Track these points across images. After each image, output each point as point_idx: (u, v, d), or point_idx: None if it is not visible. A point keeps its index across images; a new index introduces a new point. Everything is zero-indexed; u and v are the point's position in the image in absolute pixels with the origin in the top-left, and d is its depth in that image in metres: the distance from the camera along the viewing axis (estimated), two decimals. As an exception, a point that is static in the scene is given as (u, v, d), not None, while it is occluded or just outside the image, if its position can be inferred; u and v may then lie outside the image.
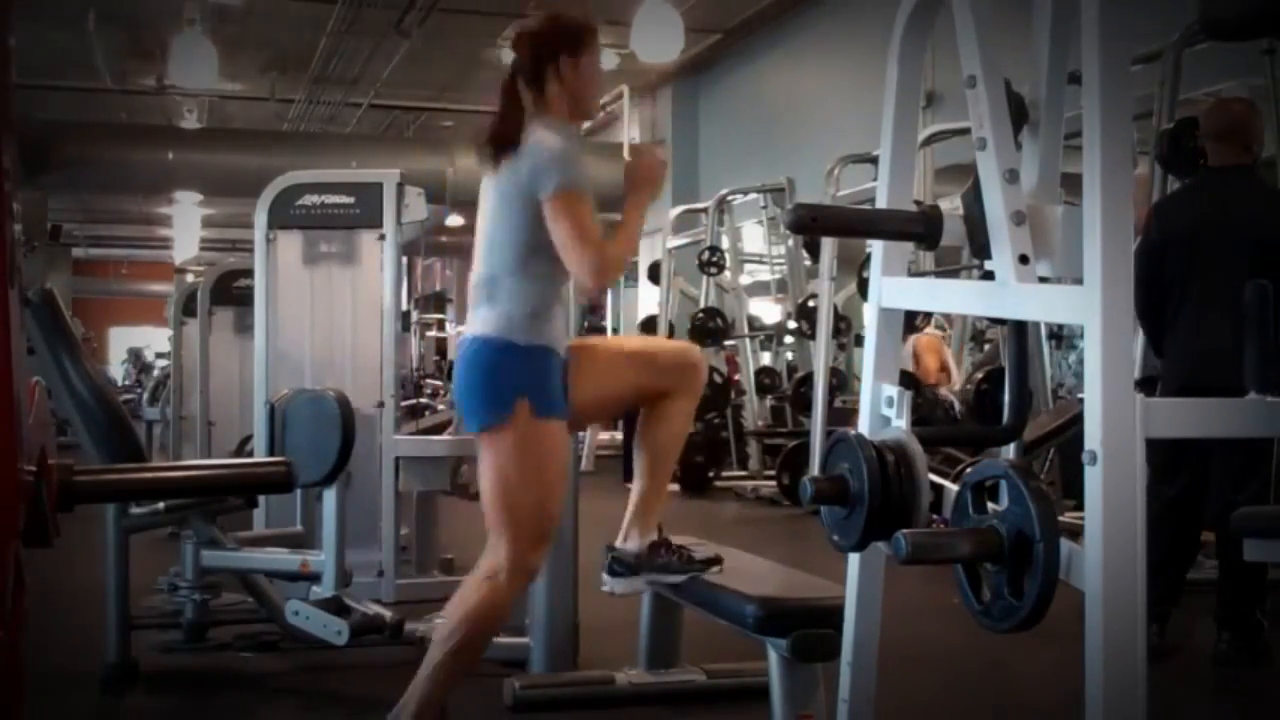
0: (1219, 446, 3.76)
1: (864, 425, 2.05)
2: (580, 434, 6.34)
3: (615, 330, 12.71)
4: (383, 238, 4.88)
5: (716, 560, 2.97)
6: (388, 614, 3.65)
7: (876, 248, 2.11)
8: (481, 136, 2.82)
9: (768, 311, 10.47)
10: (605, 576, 3.00)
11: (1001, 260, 1.79)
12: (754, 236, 10.60)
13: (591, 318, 12.96)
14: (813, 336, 8.05)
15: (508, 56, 2.90)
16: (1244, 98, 4.37)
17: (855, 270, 7.59)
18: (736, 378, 9.58)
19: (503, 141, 2.76)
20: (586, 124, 2.93)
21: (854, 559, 2.06)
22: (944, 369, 8.45)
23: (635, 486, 3.01)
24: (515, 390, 2.68)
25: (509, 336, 2.70)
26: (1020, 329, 2.15)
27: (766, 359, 10.22)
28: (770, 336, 9.72)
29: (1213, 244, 3.79)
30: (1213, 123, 4.07)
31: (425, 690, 2.76)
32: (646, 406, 2.95)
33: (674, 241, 10.16)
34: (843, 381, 7.98)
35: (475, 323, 2.78)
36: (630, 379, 2.91)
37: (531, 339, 2.71)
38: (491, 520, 2.76)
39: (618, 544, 2.99)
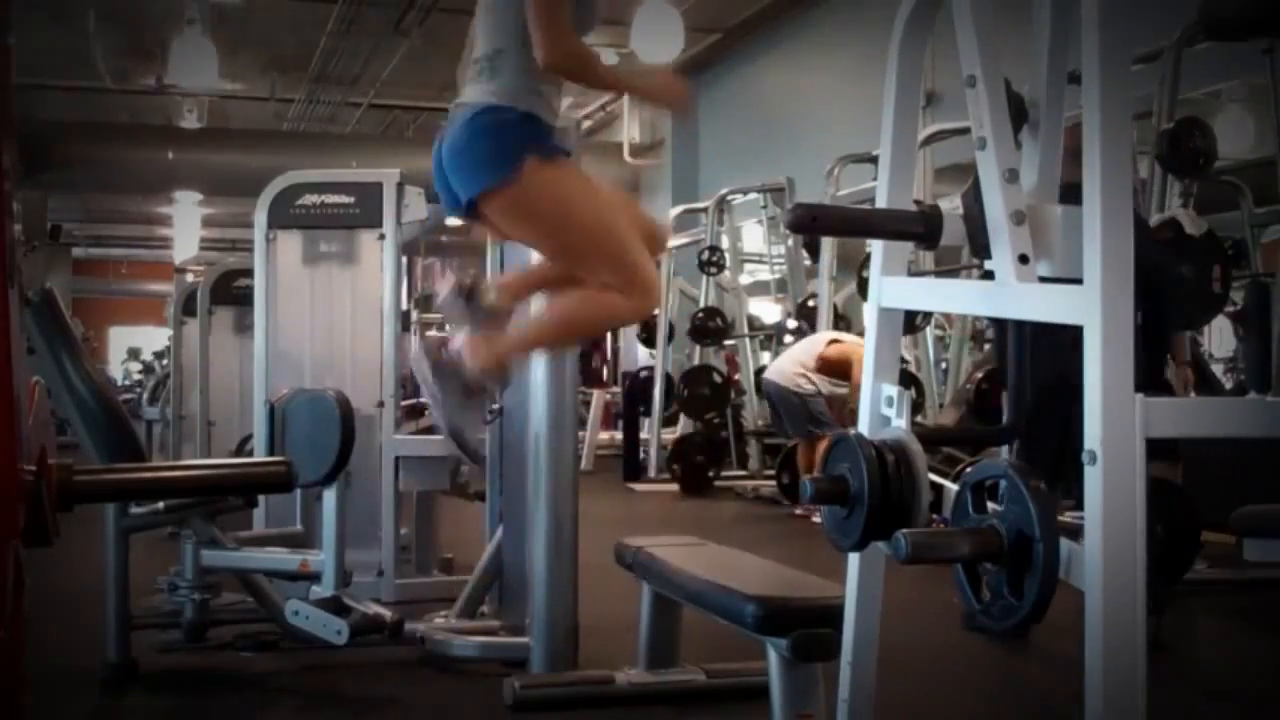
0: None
1: (864, 425, 2.05)
2: (580, 433, 6.33)
3: (615, 332, 12.68)
4: (383, 237, 4.88)
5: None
6: (388, 614, 3.65)
7: (876, 248, 2.11)
8: None
9: (768, 311, 10.47)
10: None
11: (1001, 260, 1.79)
12: (754, 236, 10.60)
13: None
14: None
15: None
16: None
17: (855, 270, 7.60)
18: (736, 378, 9.58)
19: None
20: None
21: (854, 559, 2.06)
22: None
23: (525, 322, 2.89)
24: (520, 147, 2.61)
25: (510, 103, 2.64)
26: (1020, 329, 2.15)
27: (766, 359, 10.22)
28: (770, 336, 9.72)
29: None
30: (1074, 141, 4.16)
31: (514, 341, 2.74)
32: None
33: (674, 241, 10.16)
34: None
35: (471, 94, 2.70)
36: (583, 237, 2.71)
37: (533, 109, 2.64)
38: (584, 270, 2.67)
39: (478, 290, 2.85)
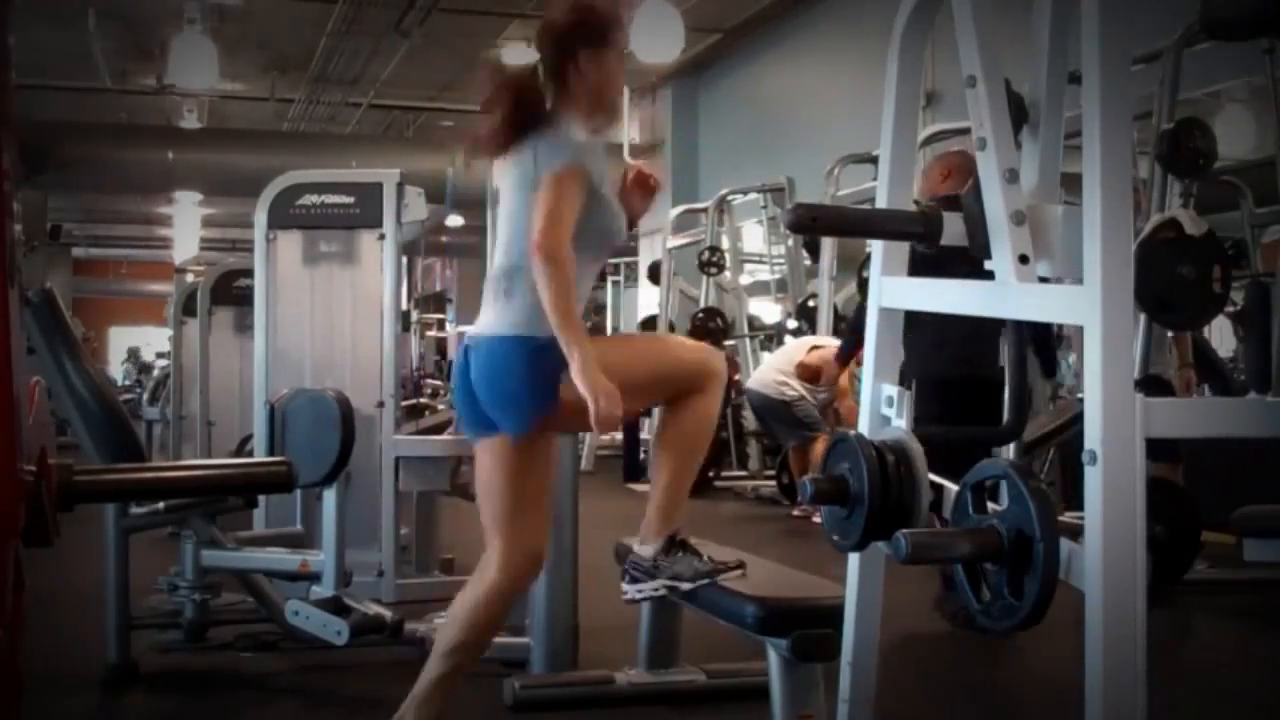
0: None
1: (864, 425, 2.05)
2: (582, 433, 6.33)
3: (615, 329, 12.70)
4: (383, 238, 4.88)
5: (739, 565, 2.87)
6: (388, 614, 3.65)
7: (876, 248, 2.11)
8: (485, 132, 2.71)
9: (768, 311, 10.47)
10: (624, 585, 2.91)
11: (1001, 260, 1.79)
12: (754, 236, 10.60)
13: (593, 319, 12.96)
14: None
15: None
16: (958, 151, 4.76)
17: (855, 270, 7.59)
18: (736, 378, 9.58)
19: (519, 124, 2.65)
20: (607, 125, 2.81)
21: (854, 559, 2.06)
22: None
23: (655, 485, 2.91)
24: (553, 379, 2.58)
25: (530, 332, 2.59)
26: (1020, 329, 2.15)
27: (766, 359, 10.22)
28: (770, 336, 9.71)
29: (948, 262, 4.03)
30: (956, 162, 4.51)
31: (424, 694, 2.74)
32: (666, 405, 2.86)
33: (674, 241, 10.16)
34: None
35: (489, 321, 2.66)
36: (645, 385, 2.78)
37: (549, 333, 2.57)
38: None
39: (636, 548, 2.90)
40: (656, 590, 2.88)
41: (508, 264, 2.67)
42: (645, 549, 2.87)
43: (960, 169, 4.38)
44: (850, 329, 5.03)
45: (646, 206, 2.90)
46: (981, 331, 4.16)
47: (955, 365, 4.23)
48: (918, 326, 4.14)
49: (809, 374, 7.08)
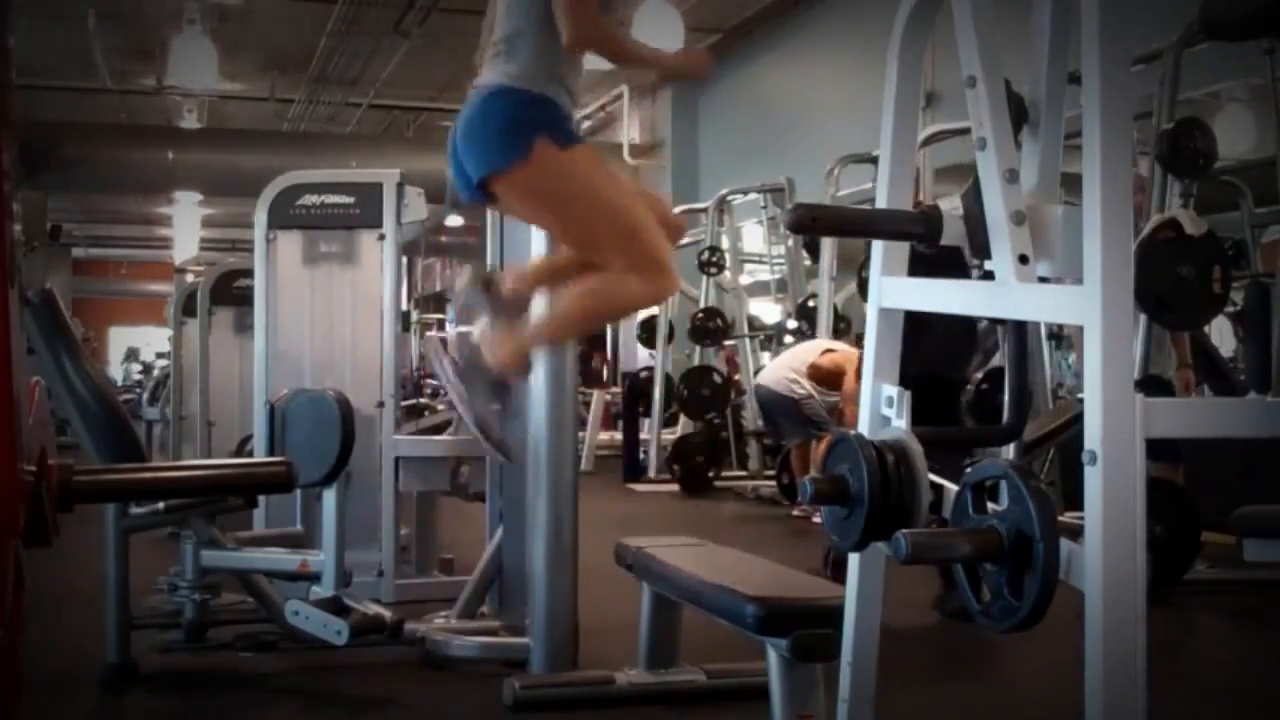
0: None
1: (864, 425, 2.05)
2: (580, 434, 6.32)
3: (615, 331, 12.69)
4: (383, 238, 4.88)
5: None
6: (388, 614, 3.65)
7: (876, 248, 2.10)
8: None
9: (768, 311, 10.48)
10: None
11: (1001, 260, 1.79)
12: (754, 236, 10.61)
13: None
14: (813, 336, 8.05)
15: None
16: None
17: (855, 270, 7.58)
18: (736, 378, 9.58)
19: None
20: None
21: (854, 559, 2.06)
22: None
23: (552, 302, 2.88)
24: (533, 130, 2.59)
25: (526, 85, 2.63)
26: (1020, 329, 2.15)
27: (766, 359, 10.23)
28: (770, 336, 9.72)
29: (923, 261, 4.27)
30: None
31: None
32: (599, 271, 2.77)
33: (675, 241, 10.15)
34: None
35: (487, 76, 2.68)
36: (600, 217, 2.69)
37: (549, 92, 2.63)
38: (595, 251, 2.66)
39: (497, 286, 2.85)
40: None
41: (509, 31, 2.70)
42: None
43: None
44: None
45: (680, 72, 3.05)
46: (952, 334, 4.41)
47: (920, 365, 4.24)
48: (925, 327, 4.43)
49: (821, 376, 7.06)
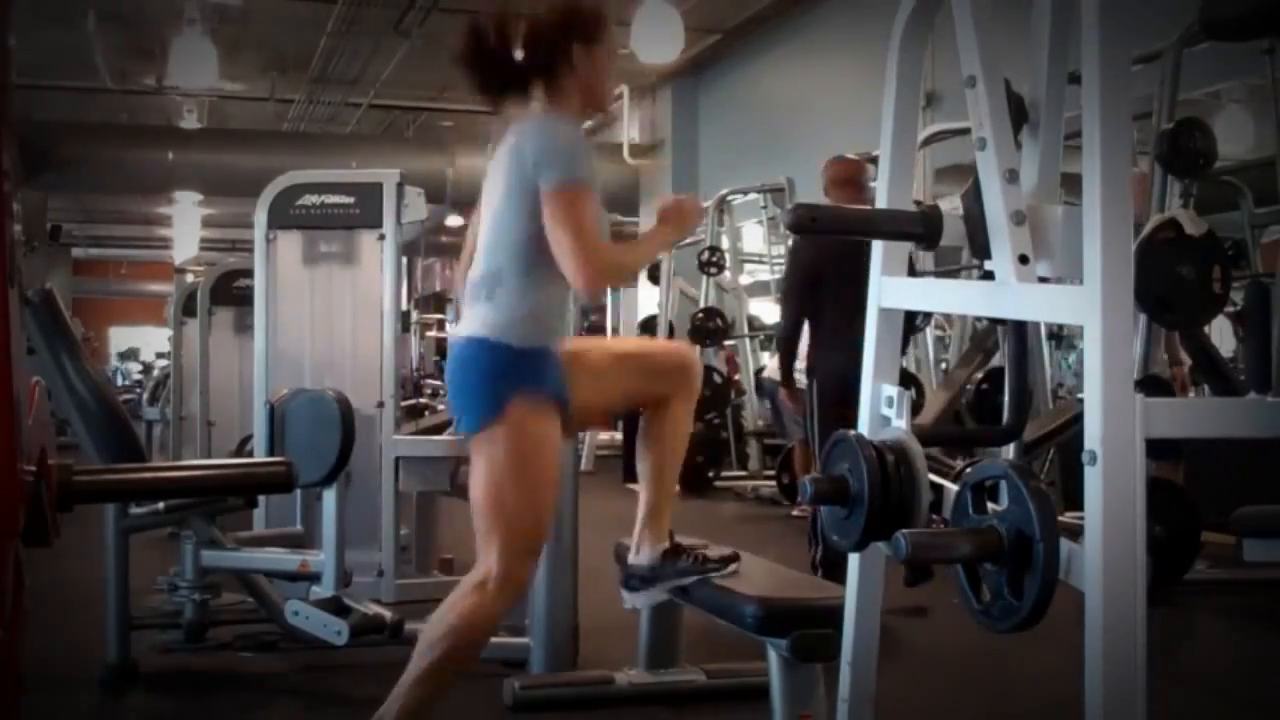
0: None
1: (864, 425, 2.05)
2: (580, 434, 6.33)
3: (615, 331, 12.71)
4: (383, 238, 4.88)
5: (733, 558, 2.90)
6: (388, 614, 3.65)
7: (876, 248, 2.11)
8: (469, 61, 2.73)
9: (768, 311, 10.47)
10: (625, 594, 2.91)
11: (1001, 260, 1.79)
12: (754, 236, 10.60)
13: (591, 318, 12.96)
14: (813, 336, 8.03)
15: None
16: (855, 158, 5.24)
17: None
18: (736, 378, 9.58)
19: (493, 74, 2.69)
20: (596, 118, 2.84)
21: (854, 559, 2.06)
22: None
23: (642, 494, 2.89)
24: (510, 389, 2.57)
25: (505, 339, 2.58)
26: (1020, 329, 2.15)
27: (766, 359, 10.22)
28: (770, 336, 9.71)
29: (850, 270, 4.59)
30: (834, 173, 5.00)
31: (408, 698, 2.60)
32: (647, 411, 2.87)
33: (674, 241, 10.14)
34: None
35: (471, 321, 2.65)
36: (622, 384, 2.82)
37: (527, 342, 2.59)
38: (481, 528, 2.64)
39: (630, 559, 2.89)
40: (660, 598, 2.91)
41: (491, 269, 2.64)
42: (640, 557, 2.87)
43: (839, 180, 4.98)
44: (782, 341, 5.23)
45: (681, 236, 2.93)
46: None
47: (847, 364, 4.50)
48: (827, 328, 4.75)
49: None
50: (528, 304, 2.61)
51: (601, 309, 13.77)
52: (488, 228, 2.69)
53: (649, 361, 2.90)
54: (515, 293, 2.60)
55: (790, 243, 5.42)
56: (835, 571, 4.41)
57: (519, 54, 2.71)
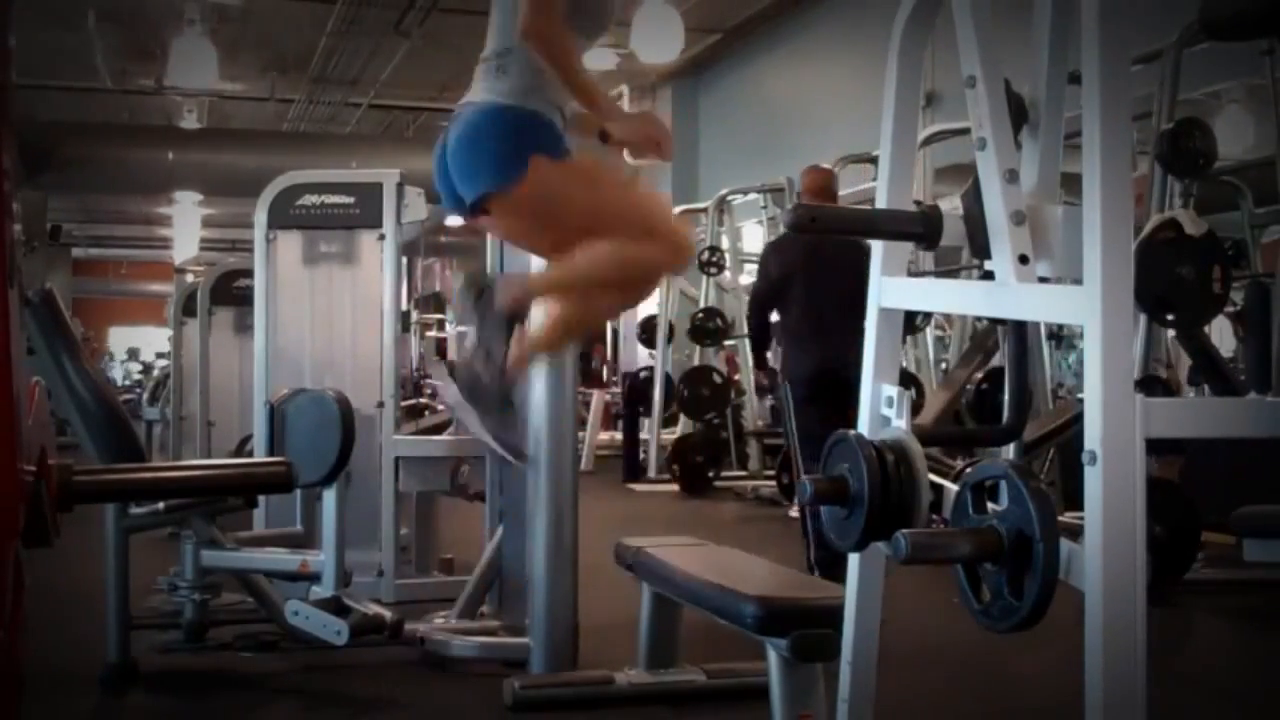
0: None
1: (864, 425, 2.05)
2: (580, 433, 6.32)
3: (615, 332, 12.69)
4: (383, 238, 4.88)
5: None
6: (388, 614, 3.65)
7: (876, 248, 2.10)
8: None
9: (767, 312, 10.45)
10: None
11: (1001, 260, 1.79)
12: (754, 236, 10.60)
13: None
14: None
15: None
16: (829, 168, 5.59)
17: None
18: (736, 378, 9.58)
19: None
20: None
21: (854, 559, 2.06)
22: None
23: (554, 263, 2.77)
24: (528, 148, 2.56)
25: (518, 102, 2.58)
26: (1020, 329, 2.15)
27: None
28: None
29: (821, 275, 4.97)
30: (809, 183, 5.25)
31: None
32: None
33: (674, 241, 10.14)
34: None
35: (479, 92, 2.64)
36: (612, 213, 2.68)
37: (542, 109, 2.58)
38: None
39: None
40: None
41: (499, 46, 2.66)
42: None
43: (813, 190, 5.21)
44: (753, 331, 5.49)
45: (643, 154, 2.84)
46: (845, 332, 4.55)
47: (810, 364, 4.95)
48: (794, 333, 5.00)
49: None
50: (539, 78, 2.61)
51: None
52: (496, 9, 2.71)
53: (650, 216, 2.73)
54: (525, 66, 2.59)
55: (762, 249, 5.74)
56: (833, 571, 4.49)
57: None
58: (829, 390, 4.86)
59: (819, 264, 5.02)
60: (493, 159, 2.60)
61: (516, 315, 2.74)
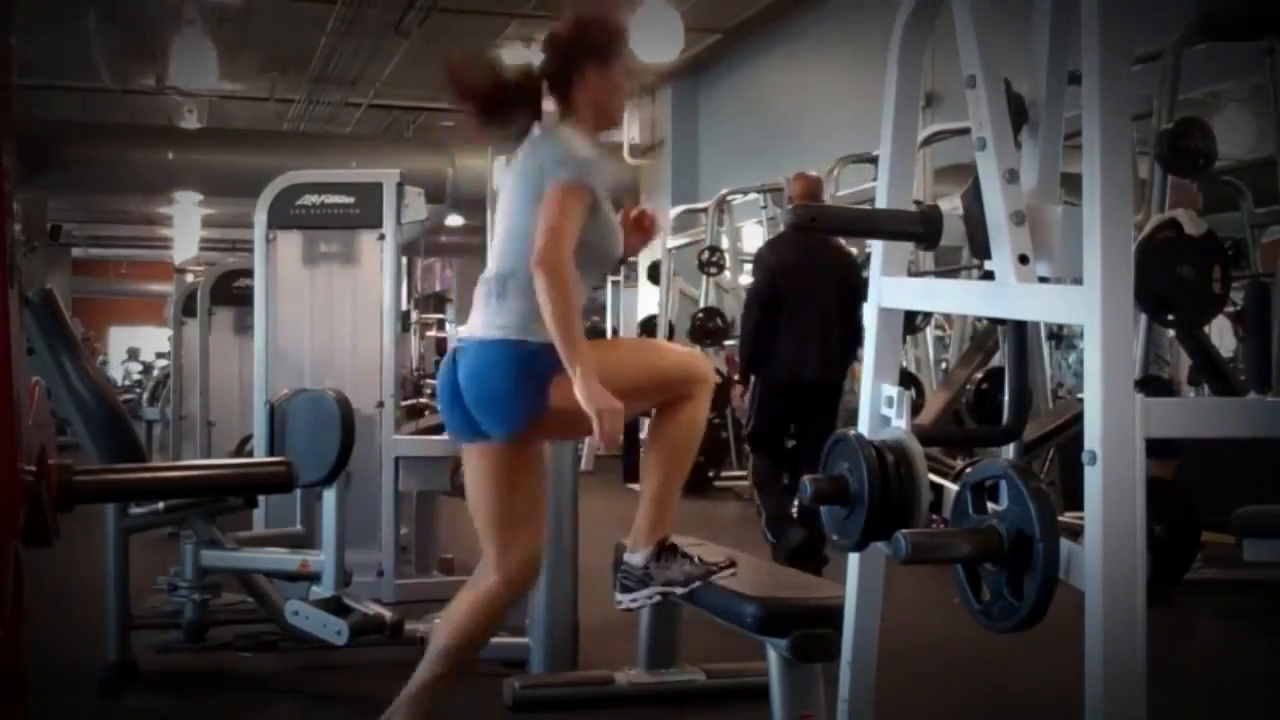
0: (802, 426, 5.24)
1: (864, 425, 2.05)
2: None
3: (615, 331, 12.71)
4: (383, 238, 4.88)
5: (730, 564, 2.85)
6: (388, 614, 3.65)
7: (876, 248, 2.11)
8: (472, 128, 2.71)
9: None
10: (617, 594, 2.86)
11: (1001, 260, 1.79)
12: (754, 236, 10.60)
13: (592, 318, 12.96)
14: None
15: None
16: (815, 175, 5.63)
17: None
18: (736, 378, 9.56)
19: (493, 116, 2.67)
20: (609, 135, 2.82)
21: (854, 559, 2.06)
22: None
23: (644, 491, 2.88)
24: (543, 381, 2.56)
25: (522, 335, 2.57)
26: (1020, 329, 2.15)
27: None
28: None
29: (809, 276, 5.12)
30: (800, 189, 5.34)
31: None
32: (657, 410, 2.86)
33: (674, 241, 10.16)
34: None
35: (479, 324, 2.64)
36: (634, 388, 2.75)
37: (544, 338, 2.55)
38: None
39: (626, 556, 2.85)
40: (650, 598, 2.84)
41: (503, 268, 2.65)
42: (636, 556, 2.82)
43: (805, 195, 5.30)
44: (744, 345, 5.41)
45: (642, 245, 2.98)
46: (810, 336, 5.04)
47: (778, 367, 5.10)
48: (785, 328, 5.07)
49: None
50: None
51: (601, 309, 13.78)
52: (501, 235, 2.70)
53: (662, 369, 2.85)
54: (527, 288, 2.56)
55: (757, 250, 5.87)
56: (803, 561, 4.74)
57: (535, 70, 2.72)
58: (795, 394, 5.11)
59: (811, 269, 5.13)
60: (513, 398, 2.61)
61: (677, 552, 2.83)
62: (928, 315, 7.48)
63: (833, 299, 5.06)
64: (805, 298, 5.10)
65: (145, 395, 11.78)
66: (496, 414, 2.63)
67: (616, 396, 2.54)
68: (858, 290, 5.18)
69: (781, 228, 6.15)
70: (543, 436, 2.75)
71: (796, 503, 4.86)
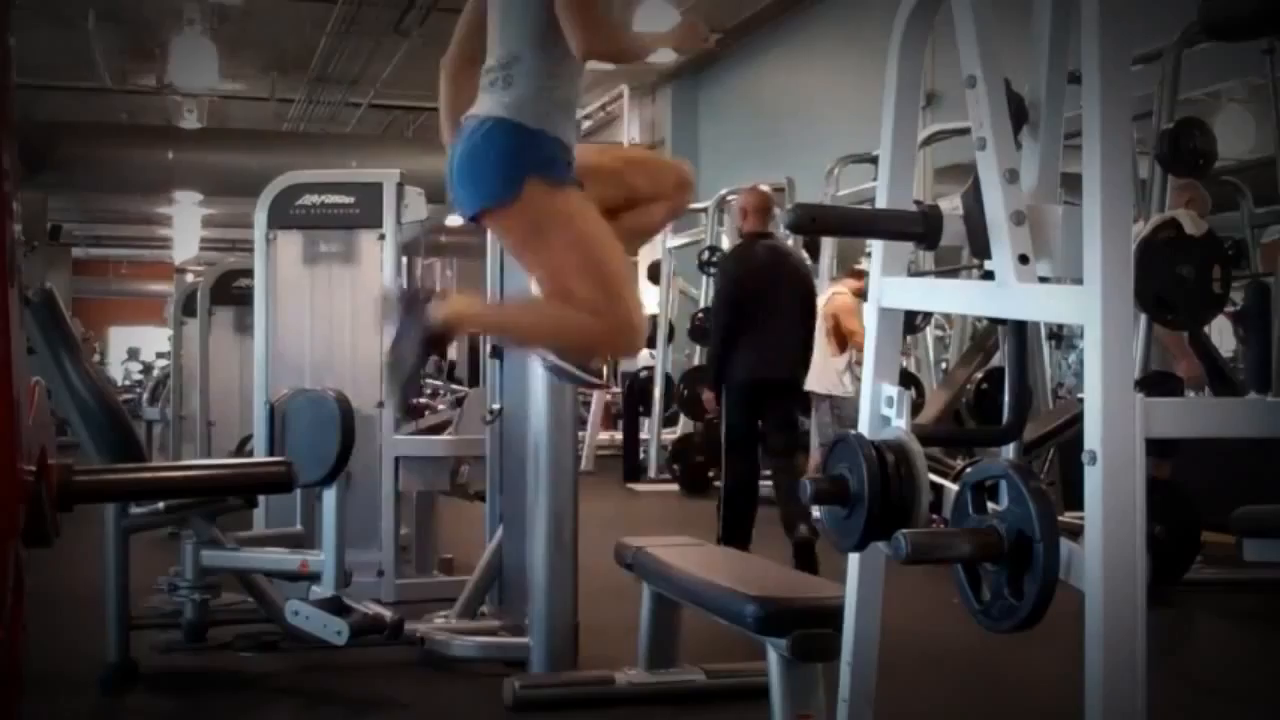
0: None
1: (864, 425, 2.04)
2: (580, 433, 6.32)
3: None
4: (383, 238, 4.88)
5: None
6: (388, 614, 3.65)
7: (876, 248, 2.10)
8: None
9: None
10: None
11: (1001, 260, 1.79)
12: (754, 236, 10.59)
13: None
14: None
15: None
16: (767, 190, 5.93)
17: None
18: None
19: None
20: None
21: (854, 559, 2.06)
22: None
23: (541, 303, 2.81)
24: (525, 168, 2.56)
25: (521, 119, 2.56)
26: (1020, 329, 2.15)
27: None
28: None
29: (769, 284, 5.44)
30: (751, 202, 5.69)
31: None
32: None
33: (674, 241, 10.15)
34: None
35: (484, 104, 2.63)
36: (628, 183, 2.77)
37: (542, 124, 2.57)
38: (566, 292, 2.61)
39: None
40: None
41: (506, 53, 2.63)
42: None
43: (757, 209, 5.63)
44: (714, 350, 5.65)
45: (682, 42, 2.89)
46: (776, 338, 5.35)
47: (745, 369, 5.40)
48: (747, 333, 5.34)
49: (837, 335, 6.84)
50: (547, 87, 2.60)
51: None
52: (499, 16, 2.66)
53: (653, 164, 2.91)
54: (533, 75, 2.57)
55: (718, 260, 6.19)
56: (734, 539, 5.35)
57: None
58: (763, 396, 5.46)
59: (772, 279, 5.44)
60: (490, 176, 2.60)
61: (440, 338, 2.75)
62: (928, 315, 7.48)
63: (792, 304, 5.46)
64: (768, 304, 5.40)
65: (145, 395, 11.78)
66: (470, 184, 2.62)
67: (617, 184, 2.65)
68: (813, 297, 5.84)
69: (782, 227, 6.15)
70: (500, 231, 2.72)
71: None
